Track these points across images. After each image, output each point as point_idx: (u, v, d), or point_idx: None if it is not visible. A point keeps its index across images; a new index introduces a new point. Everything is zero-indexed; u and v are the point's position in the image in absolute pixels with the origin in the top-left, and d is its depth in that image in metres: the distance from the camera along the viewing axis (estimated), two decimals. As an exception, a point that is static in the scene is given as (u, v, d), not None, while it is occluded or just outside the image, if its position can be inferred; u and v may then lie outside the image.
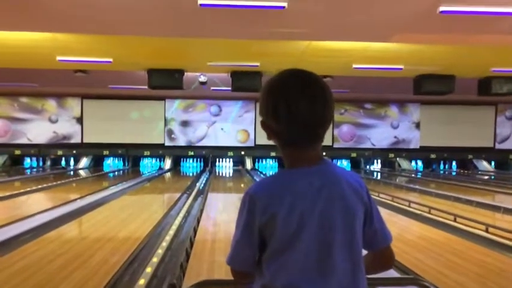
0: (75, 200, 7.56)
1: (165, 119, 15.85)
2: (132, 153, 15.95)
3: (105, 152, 15.74)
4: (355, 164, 16.68)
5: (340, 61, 8.62)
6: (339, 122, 15.81)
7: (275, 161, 16.38)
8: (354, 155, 16.11)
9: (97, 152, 15.71)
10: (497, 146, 16.37)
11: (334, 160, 16.67)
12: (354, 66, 8.91)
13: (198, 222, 5.75)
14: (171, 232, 4.96)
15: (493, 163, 16.79)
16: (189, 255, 4.03)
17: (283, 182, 1.14)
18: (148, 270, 3.54)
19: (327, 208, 1.12)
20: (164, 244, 4.40)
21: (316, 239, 1.11)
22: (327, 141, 1.15)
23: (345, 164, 16.92)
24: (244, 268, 1.21)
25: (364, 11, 5.58)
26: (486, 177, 14.36)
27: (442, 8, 5.27)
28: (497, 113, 16.28)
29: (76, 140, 15.49)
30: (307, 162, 1.14)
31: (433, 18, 5.62)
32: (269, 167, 16.30)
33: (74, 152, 15.59)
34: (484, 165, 16.60)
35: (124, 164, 16.34)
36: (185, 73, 9.78)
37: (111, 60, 8.69)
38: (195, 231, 5.13)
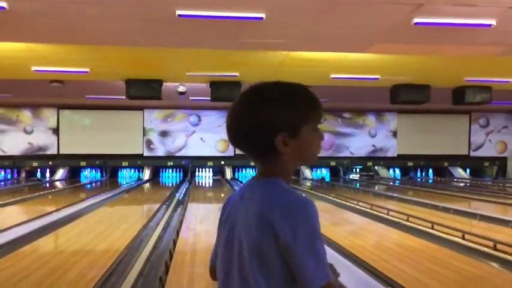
0: (51, 212, 7.40)
1: (144, 129, 15.70)
2: (110, 164, 15.73)
3: (82, 163, 15.47)
4: (334, 173, 16.83)
5: (318, 71, 8.71)
6: (318, 131, 15.91)
7: (255, 171, 16.37)
8: (333, 163, 16.25)
9: (74, 163, 15.44)
10: (472, 154, 16.75)
11: (313, 169, 16.80)
12: (332, 76, 9.01)
13: (178, 233, 5.69)
14: (150, 244, 4.89)
15: (468, 170, 17.18)
16: (168, 268, 3.98)
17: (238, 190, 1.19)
18: (127, 284, 3.48)
19: (233, 228, 1.08)
20: (143, 257, 4.33)
21: (223, 256, 1.10)
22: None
23: (324, 172, 17.05)
24: None
25: (341, 23, 5.66)
26: (462, 184, 14.66)
27: (416, 20, 5.38)
28: (471, 122, 16.68)
29: (52, 151, 15.18)
30: (256, 175, 1.12)
31: (408, 29, 5.74)
32: (249, 176, 16.29)
33: (50, 163, 15.28)
34: (459, 172, 16.96)
35: (102, 175, 16.09)
36: (164, 83, 9.73)
37: (87, 70, 8.57)
38: (175, 243, 5.07)
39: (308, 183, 14.94)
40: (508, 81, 9.55)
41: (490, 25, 5.47)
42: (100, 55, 7.61)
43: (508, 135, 16.72)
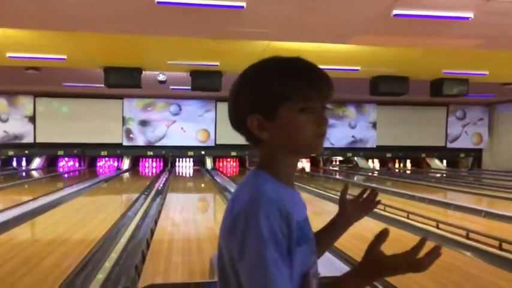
0: (27, 201, 7.26)
1: (123, 118, 15.50)
2: (88, 153, 15.52)
3: (60, 152, 15.22)
4: (314, 163, 16.95)
5: (299, 61, 8.72)
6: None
7: (236, 161, 16.39)
8: (313, 154, 16.31)
9: (51, 152, 15.18)
10: (449, 145, 17.08)
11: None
12: (313, 66, 9.04)
13: (156, 222, 5.67)
14: (127, 233, 4.86)
15: (444, 161, 17.53)
16: (145, 257, 3.96)
17: None
18: (102, 273, 3.45)
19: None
20: (120, 246, 4.30)
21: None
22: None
23: (307, 161, 17.09)
24: None
25: (321, 13, 5.66)
26: (438, 175, 14.94)
27: (395, 12, 5.42)
28: (449, 114, 16.98)
29: (28, 139, 14.87)
30: None
31: (388, 21, 5.78)
32: (230, 166, 16.29)
33: (26, 152, 14.98)
34: (436, 163, 17.29)
35: (80, 165, 15.86)
36: (144, 72, 9.61)
37: (65, 57, 8.39)
38: (152, 232, 5.05)
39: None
40: (485, 74, 9.74)
41: (467, 18, 5.55)
42: (78, 42, 7.45)
43: (484, 127, 17.08)
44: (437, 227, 5.36)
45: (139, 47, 7.87)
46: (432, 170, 16.43)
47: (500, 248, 4.40)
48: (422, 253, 0.96)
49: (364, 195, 1.23)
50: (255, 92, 0.93)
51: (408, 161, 17.70)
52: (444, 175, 14.77)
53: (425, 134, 16.74)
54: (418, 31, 6.36)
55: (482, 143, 17.14)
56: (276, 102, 0.92)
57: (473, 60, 8.56)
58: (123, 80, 9.43)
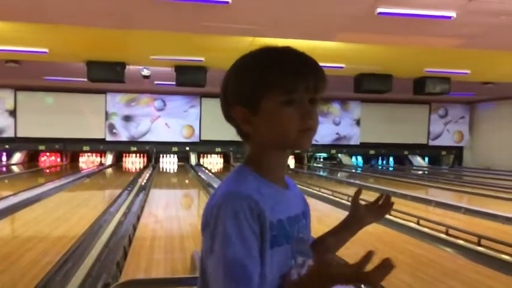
0: (7, 197, 7.13)
1: (106, 113, 15.33)
2: (70, 149, 15.31)
3: (41, 147, 14.99)
4: (299, 160, 17.00)
5: (284, 58, 8.72)
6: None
7: (220, 157, 16.34)
8: (297, 151, 16.36)
9: (32, 146, 14.94)
10: (431, 143, 17.32)
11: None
12: (297, 63, 9.05)
13: (139, 219, 5.62)
14: (109, 230, 4.81)
15: (426, 159, 17.77)
16: (127, 253, 3.93)
17: None
18: (83, 269, 3.41)
19: None
20: (101, 242, 4.25)
21: None
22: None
23: (292, 158, 17.12)
24: None
25: (306, 10, 5.67)
26: (420, 172, 15.14)
27: (379, 10, 5.46)
28: (431, 112, 17.20)
29: (9, 134, 14.60)
30: None
31: (372, 19, 5.82)
32: (214, 162, 16.24)
33: (7, 146, 14.72)
34: (418, 160, 17.52)
35: (62, 160, 15.65)
36: (127, 66, 9.50)
37: (46, 50, 8.24)
38: (135, 228, 5.01)
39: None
40: (466, 73, 9.88)
41: (450, 17, 5.61)
42: (60, 35, 7.32)
43: (465, 125, 17.36)
44: (418, 223, 5.43)
45: (123, 41, 7.78)
46: (414, 167, 16.65)
47: (479, 244, 4.48)
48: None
49: (380, 201, 1.17)
50: (238, 83, 0.90)
51: (391, 158, 17.89)
52: (426, 172, 14.98)
53: (408, 131, 16.95)
54: (402, 29, 6.42)
55: (463, 141, 17.42)
56: (258, 94, 0.87)
57: (455, 59, 8.68)
58: (106, 75, 9.31)
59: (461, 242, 4.60)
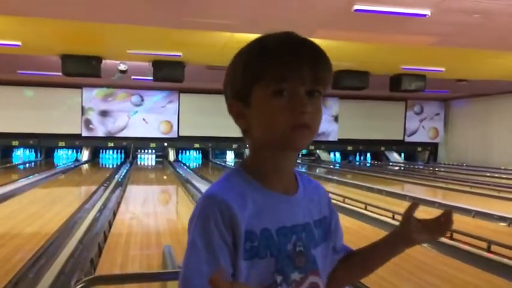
0: (-22, 194, 6.95)
1: (82, 108, 15.06)
2: (45, 144, 14.99)
3: (15, 143, 14.63)
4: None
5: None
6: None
7: (199, 153, 16.26)
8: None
9: (5, 142, 14.55)
10: (407, 139, 17.61)
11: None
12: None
13: (115, 215, 5.56)
14: (84, 226, 4.74)
15: (402, 155, 18.07)
16: (101, 250, 3.88)
17: None
18: (56, 266, 3.35)
19: None
20: (75, 239, 4.19)
21: None
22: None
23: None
24: None
25: (284, 6, 5.68)
26: (396, 168, 15.38)
27: (356, 7, 5.51)
28: (407, 109, 17.48)
29: (-19, 129, 14.22)
30: None
31: (349, 16, 5.86)
32: (193, 158, 16.15)
33: (-22, 142, 14.32)
34: (394, 156, 17.81)
35: (36, 156, 15.32)
36: (104, 61, 9.34)
37: (19, 43, 8.04)
38: (111, 224, 4.95)
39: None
40: (441, 71, 10.07)
41: (424, 15, 5.70)
42: (33, 27, 7.14)
43: (440, 122, 17.71)
44: (393, 218, 5.53)
45: (99, 34, 7.64)
46: (391, 163, 16.91)
47: (451, 237, 4.58)
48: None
49: (442, 219, 0.97)
50: (232, 75, 0.83)
51: (368, 154, 18.13)
52: (402, 168, 15.23)
53: (385, 128, 17.19)
54: (378, 27, 6.49)
55: (438, 137, 17.77)
56: (247, 84, 0.79)
57: (431, 56, 8.83)
58: (81, 69, 9.14)
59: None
